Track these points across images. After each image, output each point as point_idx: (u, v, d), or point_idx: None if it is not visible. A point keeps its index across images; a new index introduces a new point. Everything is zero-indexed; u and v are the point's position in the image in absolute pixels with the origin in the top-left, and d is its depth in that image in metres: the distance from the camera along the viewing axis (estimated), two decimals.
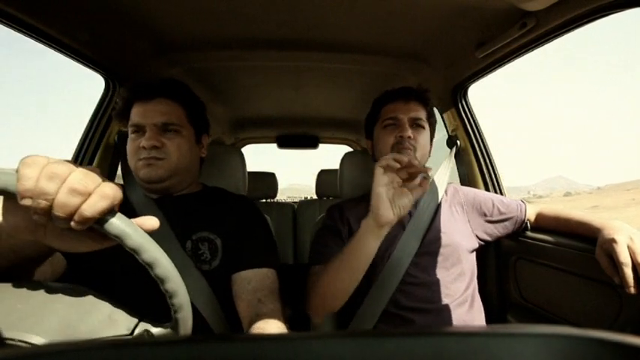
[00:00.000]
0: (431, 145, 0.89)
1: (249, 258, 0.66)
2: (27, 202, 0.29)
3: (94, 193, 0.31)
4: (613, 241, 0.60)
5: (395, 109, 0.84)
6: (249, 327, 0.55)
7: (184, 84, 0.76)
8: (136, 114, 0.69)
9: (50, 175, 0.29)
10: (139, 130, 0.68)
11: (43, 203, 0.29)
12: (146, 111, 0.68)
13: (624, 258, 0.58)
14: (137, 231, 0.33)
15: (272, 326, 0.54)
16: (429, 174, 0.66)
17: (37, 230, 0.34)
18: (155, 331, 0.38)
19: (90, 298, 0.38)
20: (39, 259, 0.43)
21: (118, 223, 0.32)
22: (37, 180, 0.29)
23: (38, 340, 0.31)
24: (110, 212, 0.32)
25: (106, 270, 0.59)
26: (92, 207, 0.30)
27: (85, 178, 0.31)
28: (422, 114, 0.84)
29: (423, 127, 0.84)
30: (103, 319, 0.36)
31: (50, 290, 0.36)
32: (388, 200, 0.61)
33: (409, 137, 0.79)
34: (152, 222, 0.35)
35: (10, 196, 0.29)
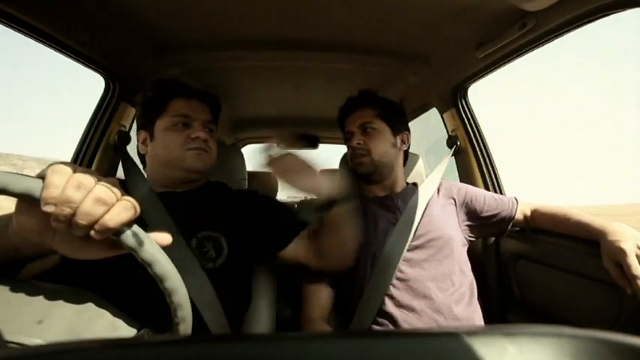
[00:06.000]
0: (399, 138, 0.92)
1: (288, 234, 0.72)
2: (50, 208, 0.29)
3: (116, 204, 0.32)
4: (621, 250, 0.60)
5: (349, 123, 0.92)
6: None
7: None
8: (184, 107, 0.73)
9: (77, 184, 0.30)
10: (186, 121, 0.72)
11: (66, 210, 0.30)
12: (196, 106, 0.73)
13: (635, 270, 0.58)
14: (152, 244, 0.33)
15: None
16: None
17: (46, 234, 0.34)
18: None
19: (94, 304, 0.38)
20: (35, 258, 0.43)
21: (134, 236, 0.33)
22: (63, 188, 0.30)
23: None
24: (128, 224, 0.33)
25: (104, 275, 0.59)
26: (115, 217, 0.31)
27: (110, 189, 0.32)
28: (370, 116, 0.89)
29: (375, 129, 0.88)
30: (107, 326, 0.36)
31: (55, 293, 0.37)
32: None
33: (358, 144, 0.88)
34: (166, 237, 0.36)
35: (33, 202, 0.30)
